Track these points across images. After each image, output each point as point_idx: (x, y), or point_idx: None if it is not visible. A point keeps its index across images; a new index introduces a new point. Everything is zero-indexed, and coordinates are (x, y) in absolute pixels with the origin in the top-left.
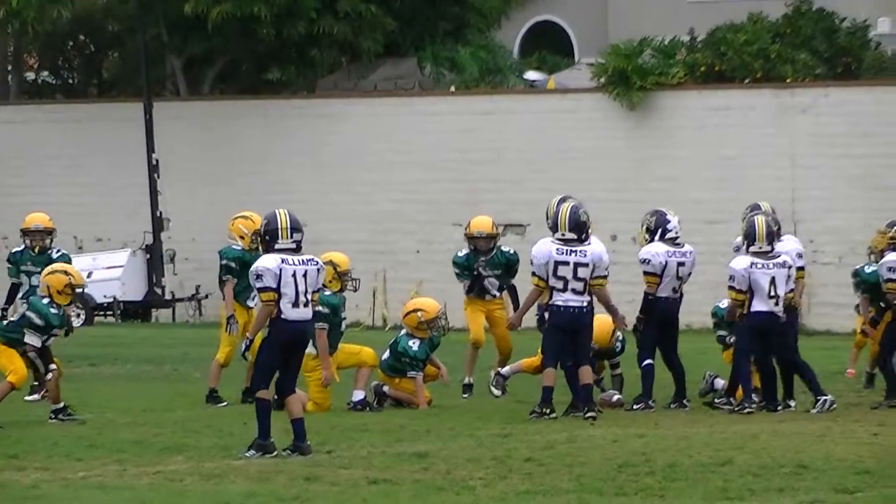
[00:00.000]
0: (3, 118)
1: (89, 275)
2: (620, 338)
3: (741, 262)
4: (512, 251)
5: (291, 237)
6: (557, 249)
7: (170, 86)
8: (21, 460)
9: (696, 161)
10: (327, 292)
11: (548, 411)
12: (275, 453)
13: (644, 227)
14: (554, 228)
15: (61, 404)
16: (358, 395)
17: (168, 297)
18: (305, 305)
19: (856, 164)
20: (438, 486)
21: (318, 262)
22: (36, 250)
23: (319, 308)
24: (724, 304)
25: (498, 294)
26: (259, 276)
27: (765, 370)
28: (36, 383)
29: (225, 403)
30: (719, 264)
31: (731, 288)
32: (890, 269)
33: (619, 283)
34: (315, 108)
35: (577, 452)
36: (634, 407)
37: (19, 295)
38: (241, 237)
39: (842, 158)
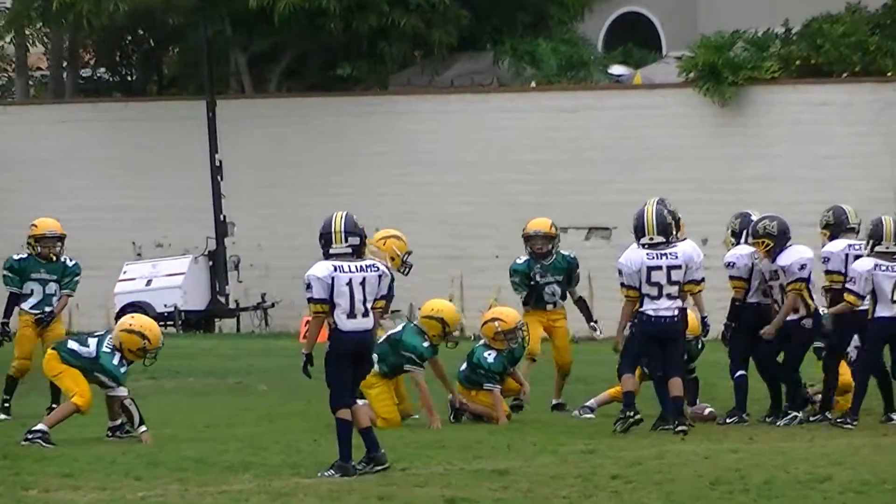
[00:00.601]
0: (58, 117)
1: (149, 283)
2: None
3: (865, 263)
4: (572, 254)
5: (346, 241)
6: (648, 255)
7: (234, 83)
8: (76, 479)
9: (792, 160)
10: (425, 343)
11: (632, 413)
12: (355, 475)
13: (729, 230)
14: (640, 232)
15: (119, 420)
16: None
17: (232, 305)
18: (364, 315)
19: None
20: None
21: (378, 268)
22: (53, 258)
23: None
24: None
25: (560, 303)
26: (308, 286)
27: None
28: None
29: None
30: (817, 269)
31: (849, 291)
32: None
33: (713, 289)
34: (388, 105)
35: (666, 469)
36: (728, 420)
37: (30, 304)
38: (392, 258)
39: None
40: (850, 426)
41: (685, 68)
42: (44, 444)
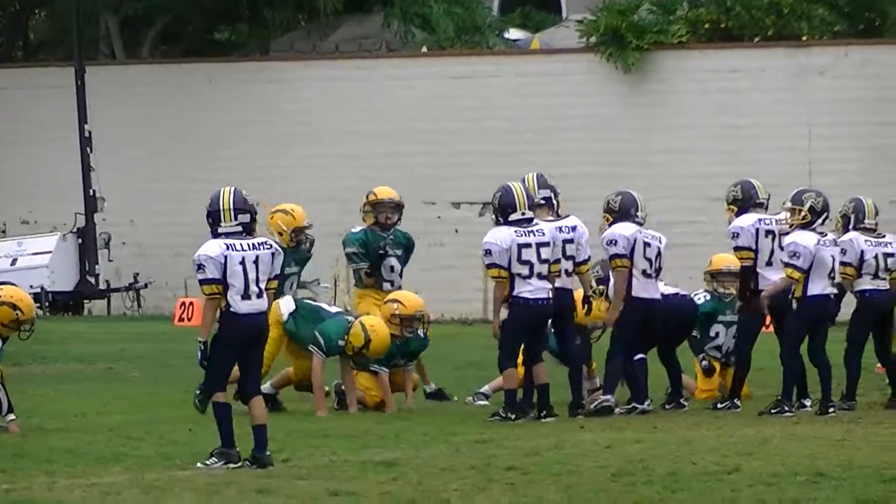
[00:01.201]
0: None
1: (14, 262)
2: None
3: (809, 238)
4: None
5: (236, 219)
6: (517, 232)
7: (104, 48)
8: None
9: (701, 131)
10: (341, 343)
11: (513, 416)
12: (240, 464)
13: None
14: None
15: None
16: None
17: (102, 286)
18: (259, 296)
19: (880, 132)
20: (409, 499)
21: (271, 246)
22: None
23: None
24: None
25: (398, 281)
26: (200, 267)
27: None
28: None
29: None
30: (725, 245)
31: (792, 266)
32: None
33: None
34: (269, 72)
35: (565, 460)
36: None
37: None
38: (280, 233)
39: (864, 126)
40: (789, 413)
41: (586, 32)
42: None
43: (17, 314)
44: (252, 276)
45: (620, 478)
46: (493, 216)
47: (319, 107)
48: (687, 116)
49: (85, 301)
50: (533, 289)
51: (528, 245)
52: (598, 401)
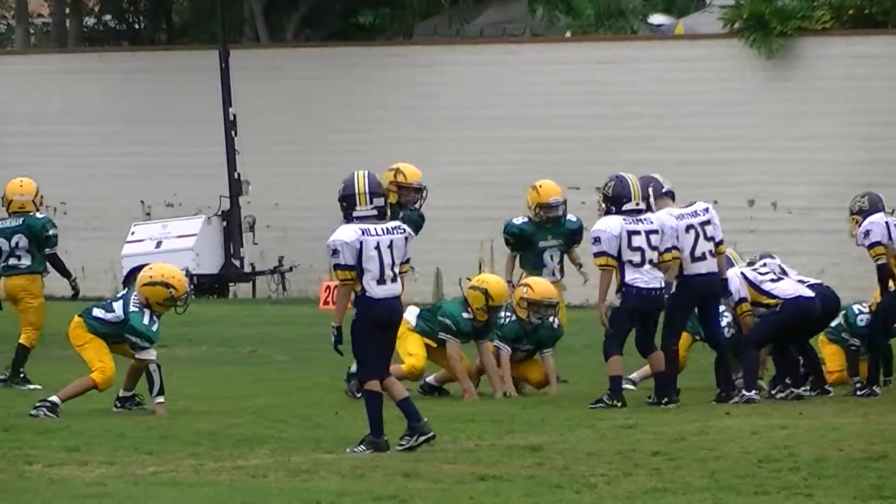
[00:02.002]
0: (60, 68)
1: (158, 245)
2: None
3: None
4: (575, 218)
5: (371, 203)
6: (626, 220)
7: (248, 31)
8: (83, 453)
9: (845, 116)
10: (465, 314)
11: (618, 403)
12: (388, 450)
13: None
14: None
15: (131, 392)
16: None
17: (247, 269)
18: (393, 280)
19: None
20: (555, 484)
21: (404, 230)
22: None
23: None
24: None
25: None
26: (335, 252)
27: None
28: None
29: None
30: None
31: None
32: None
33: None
34: (412, 56)
35: (711, 445)
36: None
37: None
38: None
39: None
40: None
41: (730, 18)
42: (48, 414)
43: (170, 292)
44: (387, 260)
45: (766, 464)
46: (605, 205)
47: (462, 91)
48: (830, 103)
49: (230, 284)
50: (646, 278)
51: (637, 232)
52: (745, 396)
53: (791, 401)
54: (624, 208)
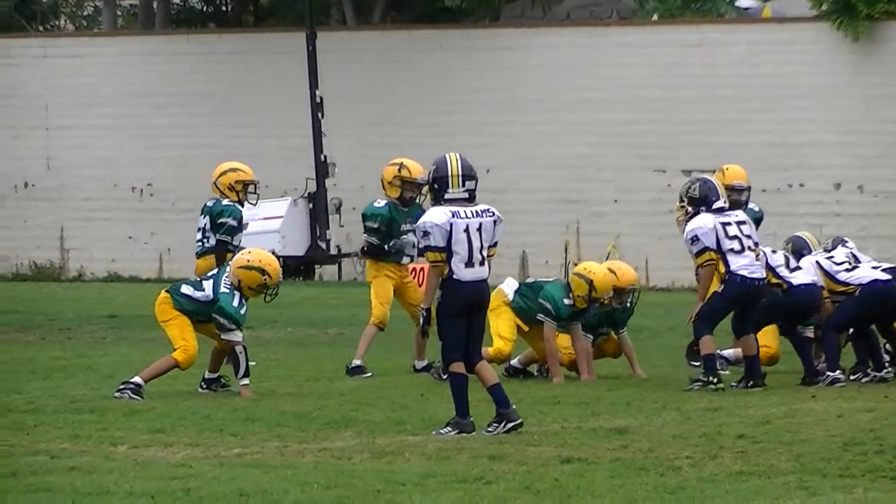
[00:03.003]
0: (147, 50)
1: (245, 226)
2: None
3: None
4: (758, 208)
5: (463, 185)
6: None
7: (335, 14)
8: (168, 435)
9: None
10: (566, 300)
11: (714, 380)
12: (473, 432)
13: None
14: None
15: (217, 374)
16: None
17: (334, 251)
18: (482, 264)
19: None
20: (640, 466)
21: (493, 213)
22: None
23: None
24: None
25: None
26: (426, 234)
27: None
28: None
29: (370, 374)
30: None
31: None
32: None
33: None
34: (499, 39)
35: (796, 429)
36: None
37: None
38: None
39: None
40: None
41: (817, 1)
42: (133, 396)
43: (265, 279)
44: (476, 243)
45: (852, 447)
46: (690, 208)
47: (549, 74)
48: None
49: (316, 266)
50: (751, 268)
51: (728, 223)
52: (829, 377)
53: (876, 384)
54: (714, 207)
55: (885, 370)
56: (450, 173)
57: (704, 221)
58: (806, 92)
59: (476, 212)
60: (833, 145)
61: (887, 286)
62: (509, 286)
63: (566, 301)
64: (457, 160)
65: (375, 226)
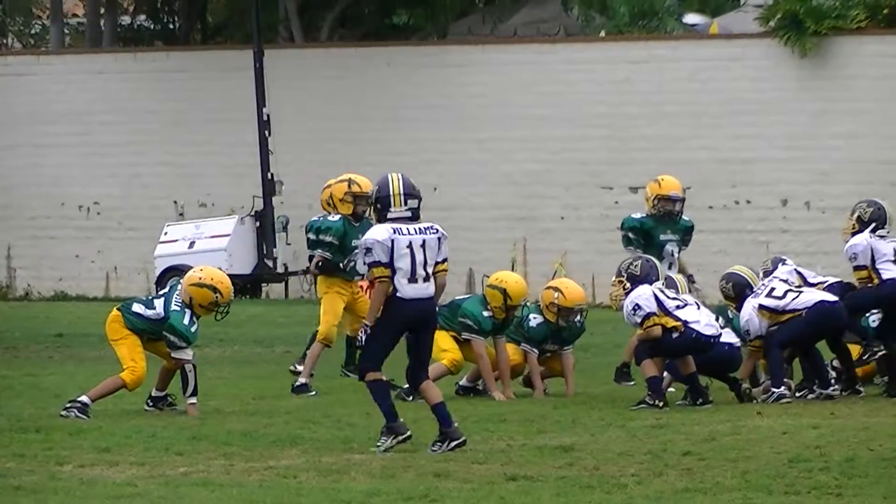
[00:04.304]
0: (95, 68)
1: (191, 245)
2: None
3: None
4: (688, 218)
5: (405, 204)
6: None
7: (283, 31)
8: (114, 454)
9: (880, 115)
10: (485, 313)
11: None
12: (408, 433)
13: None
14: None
15: (164, 392)
16: None
17: (280, 270)
18: (425, 280)
19: None
20: (585, 484)
21: (437, 230)
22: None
23: None
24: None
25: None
26: (368, 250)
27: None
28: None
29: (314, 392)
30: None
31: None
32: None
33: (793, 253)
34: (447, 55)
35: (742, 445)
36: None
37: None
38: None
39: None
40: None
41: (765, 17)
42: (80, 415)
43: (216, 296)
44: (420, 259)
45: (797, 464)
46: (629, 284)
47: (496, 90)
48: (865, 101)
49: (263, 284)
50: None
51: (663, 290)
52: (774, 393)
53: (822, 401)
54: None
55: (831, 387)
56: (391, 192)
57: (641, 290)
58: (754, 108)
59: (419, 229)
60: (781, 161)
61: (833, 307)
62: None
63: (485, 314)
64: (398, 179)
65: (329, 240)
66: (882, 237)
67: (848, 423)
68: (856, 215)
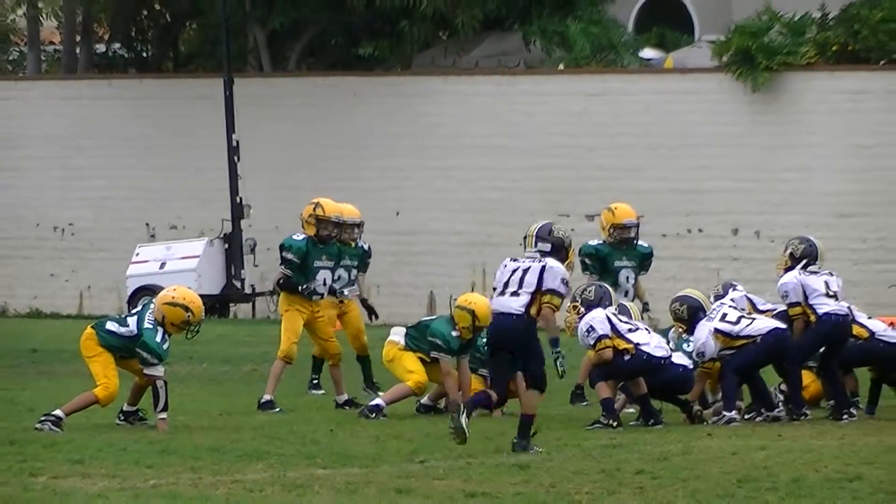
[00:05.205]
0: (70, 94)
1: (162, 265)
2: None
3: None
4: (647, 244)
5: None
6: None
7: (252, 61)
8: (87, 466)
9: (829, 149)
10: (453, 332)
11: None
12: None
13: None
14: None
15: (135, 408)
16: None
17: (248, 290)
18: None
19: None
20: (542, 501)
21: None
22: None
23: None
24: None
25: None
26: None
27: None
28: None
29: (279, 409)
30: (849, 261)
31: None
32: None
33: (743, 280)
34: (410, 86)
35: (692, 465)
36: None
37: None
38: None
39: None
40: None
41: (718, 52)
42: (53, 428)
43: (187, 315)
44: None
45: (745, 483)
46: (584, 308)
47: (459, 120)
48: (815, 135)
49: (231, 304)
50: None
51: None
52: (725, 417)
53: (769, 423)
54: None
55: (777, 409)
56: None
57: (595, 314)
58: (707, 140)
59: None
60: (732, 192)
61: (785, 334)
62: (398, 334)
63: (454, 333)
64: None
65: (290, 257)
66: (814, 272)
67: (795, 444)
68: (788, 251)
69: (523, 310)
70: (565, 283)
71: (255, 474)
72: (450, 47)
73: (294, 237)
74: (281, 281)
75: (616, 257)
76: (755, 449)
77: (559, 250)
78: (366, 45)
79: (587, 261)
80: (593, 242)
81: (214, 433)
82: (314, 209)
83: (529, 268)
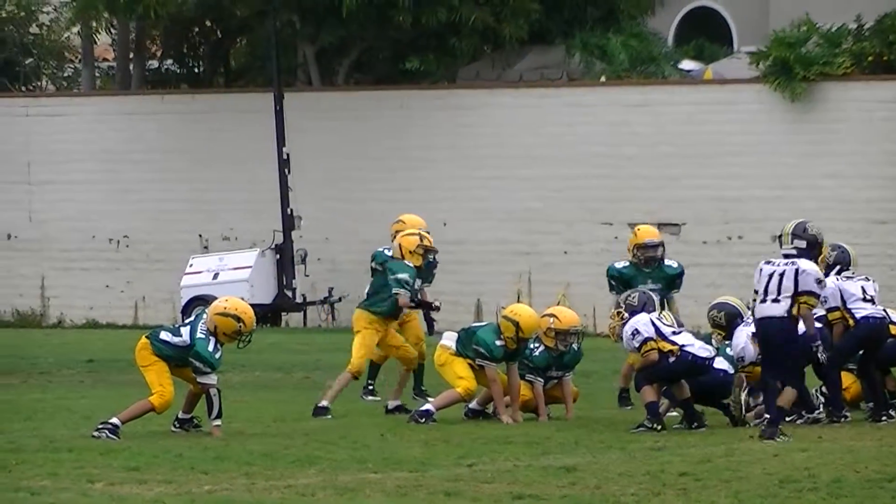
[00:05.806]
0: (124, 109)
1: (215, 276)
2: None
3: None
4: (676, 264)
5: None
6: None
7: (302, 76)
8: (143, 473)
9: (864, 157)
10: (497, 342)
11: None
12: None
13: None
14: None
15: (190, 415)
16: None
17: (299, 300)
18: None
19: None
20: (587, 502)
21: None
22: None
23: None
24: None
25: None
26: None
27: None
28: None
29: (329, 416)
30: (885, 266)
31: None
32: None
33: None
34: (456, 98)
35: (735, 467)
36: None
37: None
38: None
39: None
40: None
41: (756, 63)
42: (110, 436)
43: (239, 326)
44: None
45: (787, 484)
46: (627, 314)
47: (502, 132)
48: (850, 144)
49: (282, 313)
50: (701, 349)
51: (659, 318)
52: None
53: (809, 425)
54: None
55: (817, 411)
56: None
57: (640, 317)
58: (745, 149)
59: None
60: (770, 199)
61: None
62: (450, 339)
63: (498, 343)
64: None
65: (410, 282)
66: (849, 278)
67: (835, 446)
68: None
69: (786, 314)
70: (819, 282)
71: (307, 479)
72: (495, 60)
73: (406, 263)
74: (415, 300)
75: (640, 280)
76: (796, 450)
77: (813, 247)
78: (412, 60)
79: (612, 282)
80: (618, 265)
81: (267, 439)
82: (420, 240)
83: (784, 272)
